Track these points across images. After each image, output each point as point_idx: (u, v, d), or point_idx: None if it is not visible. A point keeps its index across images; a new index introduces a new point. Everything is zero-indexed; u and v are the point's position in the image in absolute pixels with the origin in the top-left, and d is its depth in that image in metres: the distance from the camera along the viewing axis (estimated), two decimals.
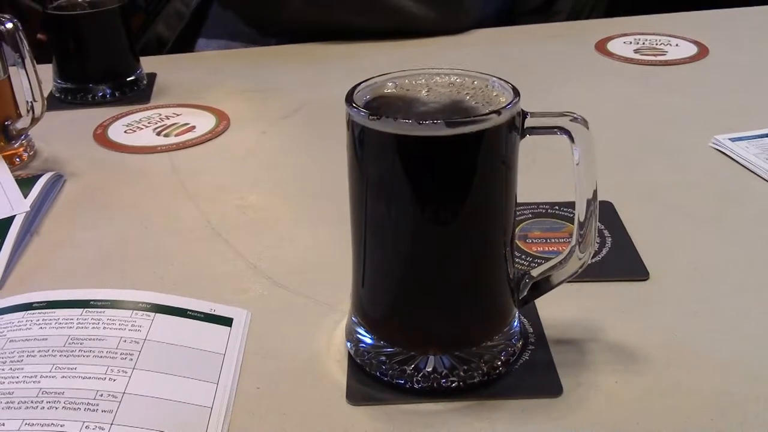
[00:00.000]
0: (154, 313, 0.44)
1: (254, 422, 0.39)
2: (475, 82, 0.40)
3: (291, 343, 0.44)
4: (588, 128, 0.39)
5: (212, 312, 0.45)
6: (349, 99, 0.38)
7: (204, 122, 0.75)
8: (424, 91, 0.40)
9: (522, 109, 0.38)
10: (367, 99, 0.39)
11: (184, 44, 1.10)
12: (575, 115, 0.38)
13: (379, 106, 0.38)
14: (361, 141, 0.37)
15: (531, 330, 0.44)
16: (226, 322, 0.45)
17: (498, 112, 0.36)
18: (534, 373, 0.41)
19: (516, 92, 0.38)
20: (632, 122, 0.72)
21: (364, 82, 0.40)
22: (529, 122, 0.38)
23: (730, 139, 0.66)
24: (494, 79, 0.40)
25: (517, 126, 0.38)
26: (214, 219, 0.58)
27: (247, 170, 0.66)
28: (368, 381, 0.41)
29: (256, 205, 0.60)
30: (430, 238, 0.38)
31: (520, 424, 0.38)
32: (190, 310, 0.45)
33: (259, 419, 0.39)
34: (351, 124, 0.38)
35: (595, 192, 0.40)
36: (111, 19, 0.80)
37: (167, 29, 1.13)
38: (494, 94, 0.39)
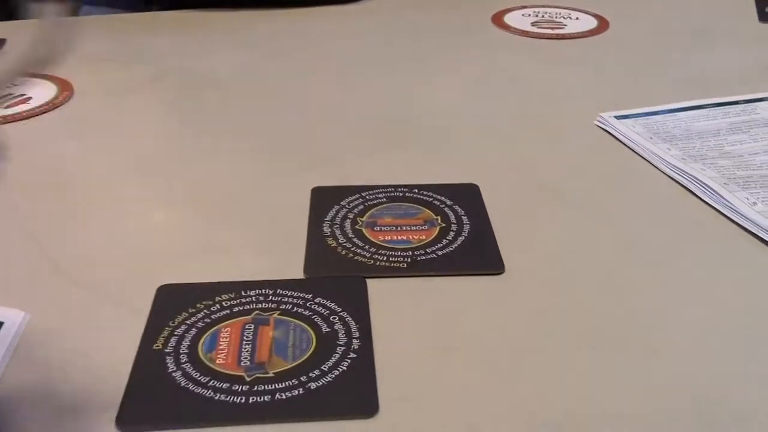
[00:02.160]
0: None
1: None
2: None
3: (70, 355, 0.37)
4: None
5: None
6: None
7: (42, 93, 0.66)
8: None
9: None
10: None
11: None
12: None
13: None
14: None
15: (357, 334, 0.38)
16: None
17: None
18: None
19: None
20: (517, 98, 0.66)
21: None
22: None
23: (615, 117, 0.60)
24: None
25: None
26: (24, 204, 0.50)
27: (79, 147, 0.58)
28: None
29: (76, 188, 0.52)
30: None
31: None
32: None
33: None
34: None
35: None
36: None
37: None
38: None
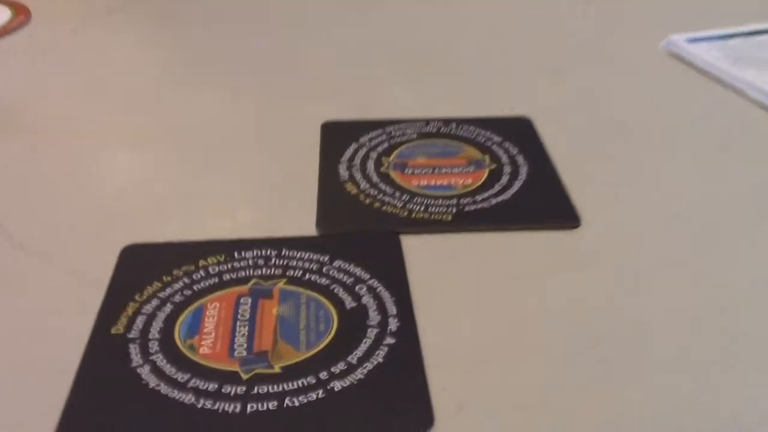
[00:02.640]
0: None
1: None
2: None
3: (5, 335, 0.27)
4: None
5: None
6: None
7: None
8: None
9: None
10: None
11: None
12: None
13: None
14: None
15: (394, 310, 0.27)
16: None
17: None
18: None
19: None
20: (566, 23, 0.55)
21: None
22: None
23: (687, 40, 0.50)
24: None
25: None
26: None
27: (32, 80, 0.47)
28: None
29: (28, 127, 0.42)
30: None
31: None
32: None
33: None
34: None
35: None
36: None
37: None
38: None
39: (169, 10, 0.57)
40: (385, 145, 0.38)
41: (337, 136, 0.39)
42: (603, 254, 0.31)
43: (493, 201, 0.34)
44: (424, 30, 0.53)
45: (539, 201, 0.34)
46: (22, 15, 0.55)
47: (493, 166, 0.36)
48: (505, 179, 0.35)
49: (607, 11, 0.57)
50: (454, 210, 0.33)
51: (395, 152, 0.37)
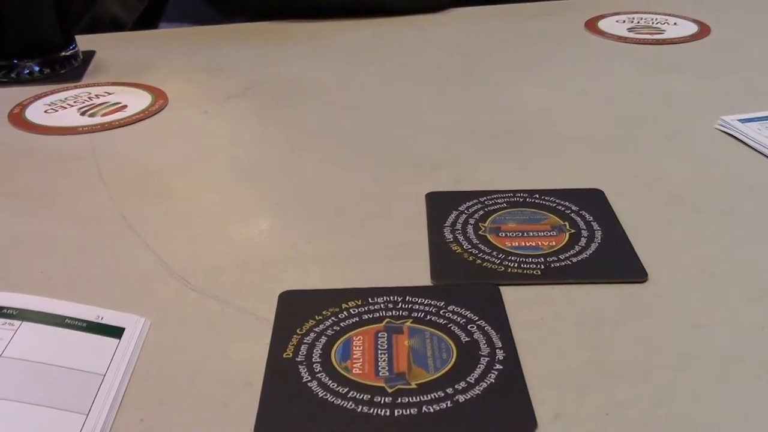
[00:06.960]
0: (20, 322, 0.35)
1: None
2: None
3: (195, 361, 0.35)
4: None
5: (98, 320, 0.36)
6: None
7: (138, 101, 0.65)
8: None
9: None
10: None
11: (143, 29, 1.01)
12: None
13: None
14: None
15: (500, 344, 0.35)
16: (115, 333, 0.36)
17: None
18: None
19: None
20: (627, 104, 0.63)
21: None
22: None
23: (739, 120, 0.57)
24: None
25: None
26: (128, 209, 0.48)
27: (178, 154, 0.57)
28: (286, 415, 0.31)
29: (181, 194, 0.51)
30: None
31: None
32: (70, 318, 0.36)
33: None
34: None
35: None
36: None
37: (125, 12, 1.04)
38: None
39: (283, 96, 0.66)
40: (481, 212, 0.46)
41: (440, 205, 0.47)
42: (669, 303, 0.38)
43: (574, 259, 0.41)
44: (501, 115, 0.61)
45: (613, 260, 0.41)
46: (161, 100, 0.66)
47: (573, 231, 0.44)
48: (583, 242, 0.42)
49: (661, 94, 0.64)
50: (542, 266, 0.40)
51: (490, 218, 0.45)
